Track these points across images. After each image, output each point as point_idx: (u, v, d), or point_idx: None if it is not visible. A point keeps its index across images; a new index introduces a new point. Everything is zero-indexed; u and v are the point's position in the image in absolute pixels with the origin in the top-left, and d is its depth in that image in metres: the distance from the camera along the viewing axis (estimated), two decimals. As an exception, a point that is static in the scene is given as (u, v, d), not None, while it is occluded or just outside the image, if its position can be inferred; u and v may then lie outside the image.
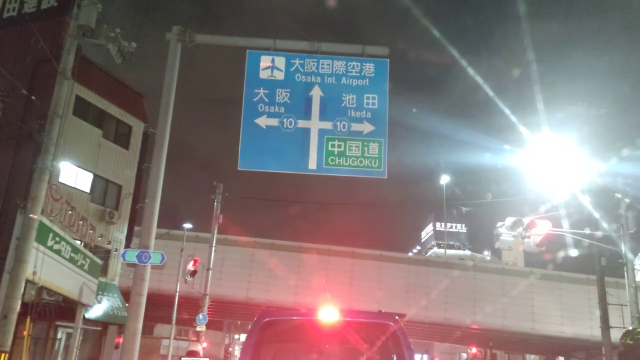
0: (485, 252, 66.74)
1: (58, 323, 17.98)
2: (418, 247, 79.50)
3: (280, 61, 10.69)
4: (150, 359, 34.65)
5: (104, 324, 20.27)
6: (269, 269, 30.05)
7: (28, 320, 14.69)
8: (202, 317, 21.86)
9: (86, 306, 17.35)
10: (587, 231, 15.90)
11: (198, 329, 22.93)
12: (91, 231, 17.85)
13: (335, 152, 10.30)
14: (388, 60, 10.86)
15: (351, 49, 11.00)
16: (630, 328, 14.30)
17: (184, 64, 11.29)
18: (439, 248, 69.32)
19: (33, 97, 13.15)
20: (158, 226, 11.01)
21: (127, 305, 14.13)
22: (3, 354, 9.83)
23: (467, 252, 66.36)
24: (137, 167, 21.61)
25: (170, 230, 25.08)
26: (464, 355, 50.68)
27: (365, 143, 10.35)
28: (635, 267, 17.48)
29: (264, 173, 11.04)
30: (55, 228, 14.29)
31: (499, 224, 17.46)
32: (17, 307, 10.22)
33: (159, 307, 27.02)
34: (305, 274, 30.19)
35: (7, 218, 14.87)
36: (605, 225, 15.53)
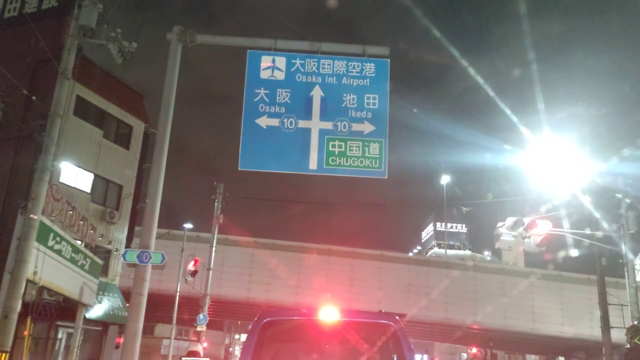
0: (486, 252, 66.73)
1: (59, 323, 17.99)
2: (418, 247, 79.48)
3: (281, 61, 10.69)
4: (150, 359, 34.70)
5: (104, 324, 20.27)
6: (269, 269, 30.06)
7: (29, 320, 14.70)
8: (202, 317, 21.87)
9: (87, 306, 17.36)
10: (588, 231, 15.89)
11: (198, 329, 22.94)
12: (92, 231, 17.86)
13: (336, 152, 10.30)
14: (389, 60, 10.86)
15: (352, 49, 10.99)
16: (636, 323, 14.24)
17: (183, 63, 11.30)
18: (439, 248, 69.32)
19: (34, 97, 13.15)
20: (158, 226, 11.01)
21: (127, 305, 14.13)
22: (4, 354, 9.84)
23: (468, 252, 66.37)
24: (137, 167, 21.63)
25: (170, 231, 25.09)
26: (465, 355, 50.67)
27: (366, 143, 10.35)
28: (636, 267, 17.45)
29: (264, 173, 11.04)
30: (56, 228, 14.30)
31: (500, 224, 17.47)
32: (18, 307, 10.24)
33: (159, 307, 27.04)
34: (306, 274, 30.20)
35: (7, 218, 14.87)
36: (605, 225, 15.51)
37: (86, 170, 19.74)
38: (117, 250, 20.51)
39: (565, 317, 30.47)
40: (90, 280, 17.09)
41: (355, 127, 10.40)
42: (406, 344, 4.59)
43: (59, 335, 18.56)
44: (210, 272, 23.17)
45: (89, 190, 19.88)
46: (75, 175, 19.26)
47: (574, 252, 17.63)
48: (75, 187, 19.11)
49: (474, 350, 41.95)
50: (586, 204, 15.31)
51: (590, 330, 27.61)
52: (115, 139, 21.23)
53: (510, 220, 16.43)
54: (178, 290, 25.41)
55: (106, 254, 20.04)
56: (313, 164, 10.28)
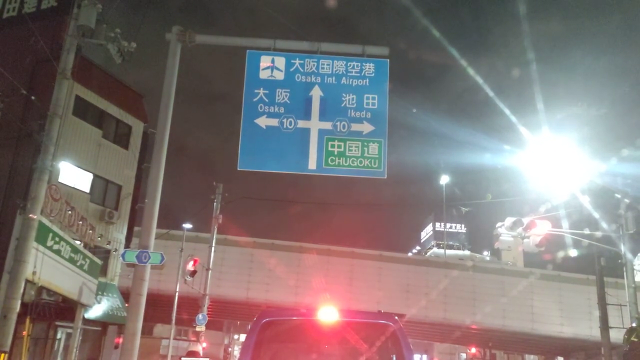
0: (485, 253, 66.75)
1: (58, 323, 17.97)
2: (418, 247, 79.53)
3: (280, 61, 10.69)
4: (150, 359, 34.66)
5: (103, 324, 20.26)
6: (268, 269, 30.04)
7: (28, 320, 14.69)
8: (201, 317, 21.85)
9: (86, 306, 17.34)
10: (587, 231, 15.91)
11: (198, 329, 22.92)
12: (91, 231, 17.84)
13: (335, 152, 10.30)
14: (388, 60, 10.86)
15: (351, 49, 10.98)
16: (634, 325, 14.28)
17: (182, 62, 11.30)
18: (438, 248, 69.36)
19: (33, 97, 13.13)
20: (158, 226, 11.00)
21: (126, 305, 14.14)
22: (3, 354, 9.83)
23: (467, 252, 66.39)
24: (137, 167, 21.60)
25: (170, 231, 25.07)
26: (464, 355, 50.70)
27: (365, 143, 10.35)
28: (635, 267, 17.49)
29: (263, 173, 11.03)
30: (55, 228, 14.29)
31: (499, 224, 17.51)
32: (17, 307, 10.21)
33: (158, 307, 27.01)
34: (305, 274, 30.19)
35: (6, 218, 14.86)
36: (604, 225, 15.53)
37: (85, 170, 19.72)
38: (116, 250, 20.51)
39: (564, 317, 30.47)
40: (90, 280, 17.08)
41: (355, 127, 10.40)
42: (405, 344, 4.59)
43: (58, 336, 18.55)
44: (210, 272, 23.15)
45: (88, 190, 19.87)
46: (74, 175, 19.25)
47: (573, 252, 17.67)
48: (74, 187, 19.10)
49: (473, 350, 41.99)
50: (585, 204, 15.33)
51: (589, 330, 27.61)
52: (114, 139, 21.22)
53: (509, 221, 16.46)
54: (177, 290, 25.38)
55: (105, 254, 20.03)
56: (312, 164, 10.28)
